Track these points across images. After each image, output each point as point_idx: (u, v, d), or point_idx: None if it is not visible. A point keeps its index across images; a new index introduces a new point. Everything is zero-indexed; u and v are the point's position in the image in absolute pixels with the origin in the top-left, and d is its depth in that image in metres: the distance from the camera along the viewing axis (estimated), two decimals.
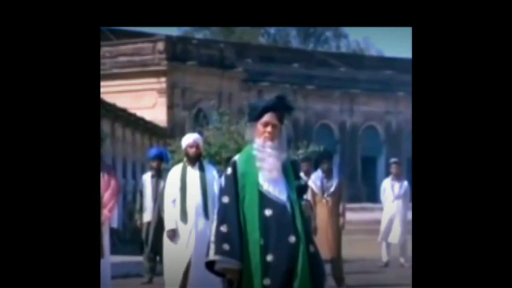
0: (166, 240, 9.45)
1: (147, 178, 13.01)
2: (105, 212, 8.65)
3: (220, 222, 5.57)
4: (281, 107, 5.71)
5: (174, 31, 64.16)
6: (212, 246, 5.56)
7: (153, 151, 13.69)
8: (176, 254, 9.27)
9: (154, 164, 12.99)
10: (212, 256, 5.57)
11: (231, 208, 5.53)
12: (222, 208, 5.61)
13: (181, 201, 9.30)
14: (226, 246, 5.47)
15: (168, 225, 9.38)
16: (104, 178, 8.70)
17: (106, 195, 8.87)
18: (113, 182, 9.10)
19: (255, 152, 5.61)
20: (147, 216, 12.77)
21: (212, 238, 5.61)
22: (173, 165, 13.92)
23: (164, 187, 10.13)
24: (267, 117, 5.58)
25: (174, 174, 9.60)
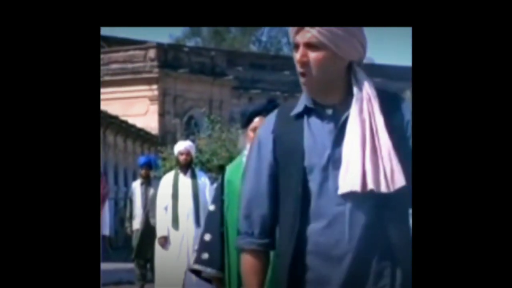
0: (157, 247, 9.50)
1: (136, 186, 13.07)
2: None
3: (204, 231, 5.59)
4: (270, 111, 5.62)
5: (165, 39, 64.10)
6: (194, 255, 5.61)
7: (141, 159, 13.75)
8: (168, 261, 9.30)
9: (143, 171, 13.04)
10: (192, 264, 5.61)
11: (216, 216, 5.52)
12: (208, 217, 5.64)
13: (173, 208, 9.35)
14: (205, 255, 5.47)
15: (160, 232, 9.43)
16: None
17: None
18: (101, 188, 9.18)
19: (244, 159, 5.60)
20: (137, 223, 12.82)
21: (196, 246, 5.66)
22: (164, 172, 13.94)
23: (153, 194, 10.18)
24: (256, 122, 5.50)
25: (166, 181, 9.66)
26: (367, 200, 2.70)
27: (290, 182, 2.80)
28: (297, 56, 2.76)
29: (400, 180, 2.65)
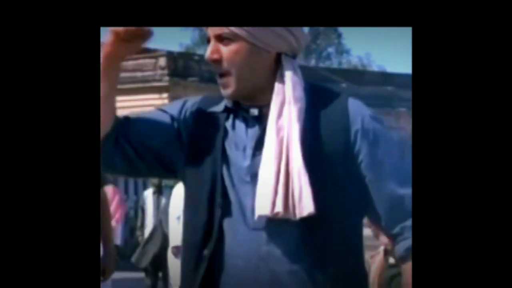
0: (170, 256, 9.48)
1: (148, 195, 13.03)
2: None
3: None
4: None
5: (175, 47, 64.38)
6: None
7: None
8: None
9: (154, 180, 13.00)
10: None
11: None
12: None
13: None
14: None
15: (173, 241, 9.39)
16: (109, 191, 8.81)
17: (113, 207, 8.99)
18: (117, 196, 9.23)
19: None
20: (148, 232, 12.79)
21: None
22: (175, 181, 13.94)
23: (165, 203, 10.15)
24: None
25: (178, 190, 9.61)
26: (289, 228, 2.26)
27: (202, 190, 2.34)
28: (207, 52, 2.34)
29: (307, 207, 2.21)
